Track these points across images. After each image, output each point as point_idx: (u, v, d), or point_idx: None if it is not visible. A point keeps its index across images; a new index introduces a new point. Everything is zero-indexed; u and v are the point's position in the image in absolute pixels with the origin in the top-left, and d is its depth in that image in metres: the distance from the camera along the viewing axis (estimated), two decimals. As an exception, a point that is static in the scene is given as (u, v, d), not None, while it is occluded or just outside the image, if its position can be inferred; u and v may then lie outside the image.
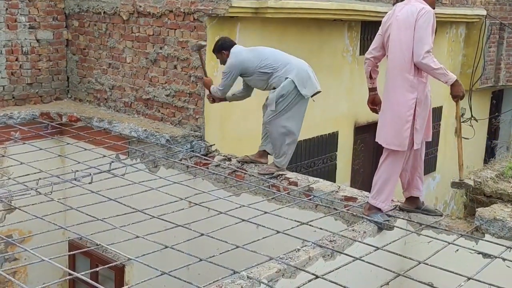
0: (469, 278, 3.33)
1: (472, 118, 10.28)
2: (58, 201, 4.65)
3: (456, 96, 4.25)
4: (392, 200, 4.71)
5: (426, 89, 4.35)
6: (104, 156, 5.76)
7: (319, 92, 5.55)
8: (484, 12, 10.32)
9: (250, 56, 5.54)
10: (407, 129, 4.27)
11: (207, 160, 5.88)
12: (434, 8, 4.35)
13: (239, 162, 5.74)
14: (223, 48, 5.65)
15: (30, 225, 5.84)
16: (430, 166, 10.26)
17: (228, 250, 3.67)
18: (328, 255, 3.94)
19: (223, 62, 5.71)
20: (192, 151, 6.05)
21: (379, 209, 4.52)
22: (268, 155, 5.75)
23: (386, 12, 8.15)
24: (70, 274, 3.29)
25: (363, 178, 9.19)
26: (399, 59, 4.28)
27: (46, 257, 3.43)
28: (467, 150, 10.28)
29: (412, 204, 4.71)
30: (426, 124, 4.44)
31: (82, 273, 3.24)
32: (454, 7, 9.94)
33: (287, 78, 5.37)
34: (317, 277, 3.40)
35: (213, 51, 5.79)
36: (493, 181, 4.71)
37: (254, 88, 5.76)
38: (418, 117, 4.30)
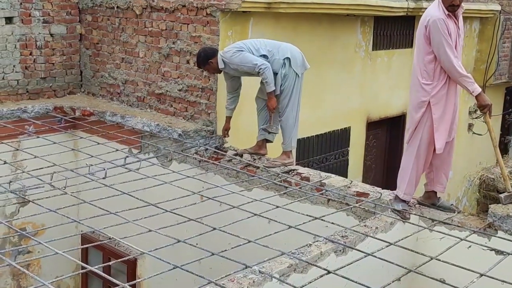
0: (481, 275, 3.32)
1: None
2: (71, 195, 4.68)
3: (483, 106, 4.29)
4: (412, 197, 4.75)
5: (441, 92, 4.34)
6: (117, 150, 5.79)
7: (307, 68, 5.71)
8: (499, 8, 10.22)
9: (246, 42, 5.61)
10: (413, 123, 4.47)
11: (219, 153, 5.89)
12: (450, 9, 4.23)
13: (237, 155, 5.77)
14: (208, 58, 5.62)
15: (44, 218, 5.89)
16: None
17: (240, 245, 3.68)
18: (340, 251, 3.94)
19: (215, 70, 5.70)
20: (205, 145, 6.06)
21: (403, 200, 4.61)
22: (267, 144, 5.82)
23: (399, 7, 8.06)
24: (83, 268, 3.31)
25: (375, 173, 9.16)
26: (414, 59, 4.42)
27: (59, 250, 3.46)
28: (480, 146, 10.28)
29: (429, 199, 4.72)
30: (450, 125, 4.46)
31: (96, 266, 3.26)
32: (468, 2, 9.86)
33: (285, 58, 5.47)
34: (328, 272, 3.41)
35: (199, 65, 5.75)
36: (506, 177, 4.67)
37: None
38: (435, 116, 4.33)
